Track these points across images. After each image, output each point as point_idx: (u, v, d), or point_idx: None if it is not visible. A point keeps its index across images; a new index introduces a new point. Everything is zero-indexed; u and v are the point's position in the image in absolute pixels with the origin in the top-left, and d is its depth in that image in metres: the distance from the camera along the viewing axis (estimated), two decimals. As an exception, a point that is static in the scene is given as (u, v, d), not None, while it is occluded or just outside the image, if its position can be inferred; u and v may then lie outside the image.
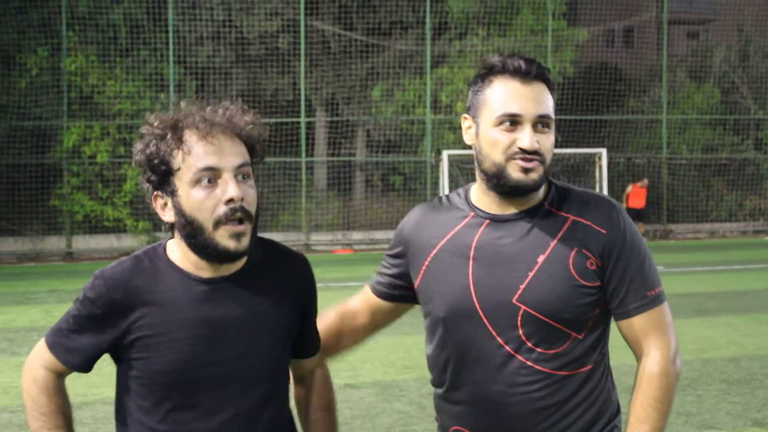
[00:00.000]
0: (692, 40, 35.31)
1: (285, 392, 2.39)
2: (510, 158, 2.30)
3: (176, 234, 2.25)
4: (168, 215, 2.22)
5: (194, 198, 2.14)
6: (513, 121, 2.29)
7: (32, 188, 23.18)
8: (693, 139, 28.04)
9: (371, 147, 26.59)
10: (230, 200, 2.13)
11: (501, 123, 2.30)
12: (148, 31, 24.16)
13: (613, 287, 2.34)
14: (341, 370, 8.39)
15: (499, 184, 2.33)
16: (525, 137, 2.28)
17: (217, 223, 2.14)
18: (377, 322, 2.69)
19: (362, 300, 2.69)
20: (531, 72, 2.31)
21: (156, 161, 2.17)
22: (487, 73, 2.36)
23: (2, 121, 23.16)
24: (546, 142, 2.31)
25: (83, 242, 23.61)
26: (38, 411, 2.26)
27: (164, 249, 2.29)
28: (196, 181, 2.14)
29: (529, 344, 2.31)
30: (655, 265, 2.40)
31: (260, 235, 2.31)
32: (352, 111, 26.06)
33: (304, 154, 24.71)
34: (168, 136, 2.17)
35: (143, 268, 2.25)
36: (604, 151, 24.75)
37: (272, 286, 2.31)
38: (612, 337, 2.50)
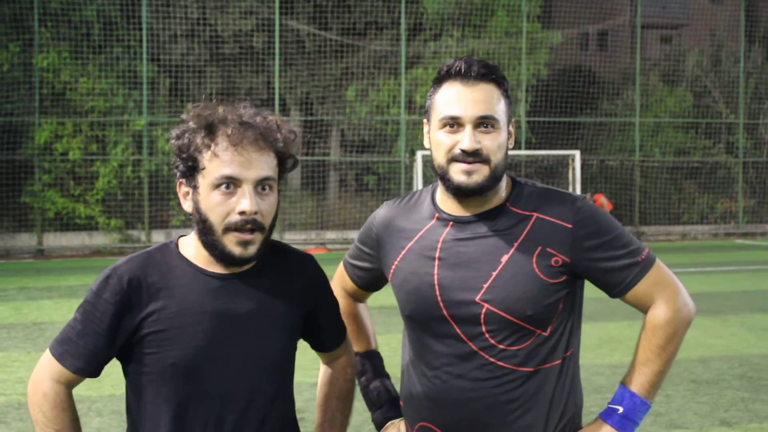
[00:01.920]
0: (665, 44, 35.63)
1: (291, 390, 2.44)
2: (452, 160, 2.35)
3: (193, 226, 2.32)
4: (187, 205, 2.28)
5: (211, 200, 2.21)
6: (454, 123, 2.34)
7: (3, 185, 22.97)
8: (665, 143, 28.26)
9: (345, 147, 26.58)
10: (243, 212, 2.19)
11: (444, 125, 2.36)
12: (122, 28, 24.01)
13: (604, 272, 2.38)
14: (312, 369, 8.36)
15: (445, 186, 2.39)
16: (464, 138, 2.32)
17: (227, 229, 2.21)
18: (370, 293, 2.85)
19: (353, 293, 2.80)
20: (471, 73, 2.34)
21: (185, 155, 2.23)
22: (438, 78, 2.41)
23: (-27, 116, 22.95)
24: (489, 142, 2.34)
25: (54, 240, 23.42)
26: (52, 427, 2.26)
27: (176, 245, 2.35)
28: (216, 185, 2.20)
29: (493, 341, 2.35)
30: (630, 233, 2.45)
31: None
32: (327, 111, 26.04)
33: (278, 153, 24.60)
34: (202, 134, 2.22)
35: (156, 263, 2.29)
36: (577, 153, 24.87)
37: (280, 285, 2.37)
38: (584, 338, 2.52)
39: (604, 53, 32.75)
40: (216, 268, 2.29)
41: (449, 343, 2.39)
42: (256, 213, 2.20)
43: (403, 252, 2.49)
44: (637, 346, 2.43)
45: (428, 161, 23.80)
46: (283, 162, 2.30)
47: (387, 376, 2.75)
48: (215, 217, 2.20)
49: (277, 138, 2.25)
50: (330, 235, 25.10)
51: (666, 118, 28.30)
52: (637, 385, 2.39)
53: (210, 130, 2.21)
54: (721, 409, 6.93)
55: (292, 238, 24.86)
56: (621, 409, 2.37)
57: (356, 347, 2.78)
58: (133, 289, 2.23)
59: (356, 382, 2.67)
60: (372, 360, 2.76)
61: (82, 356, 2.26)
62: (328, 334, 2.55)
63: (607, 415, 2.39)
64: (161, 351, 2.23)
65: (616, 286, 2.40)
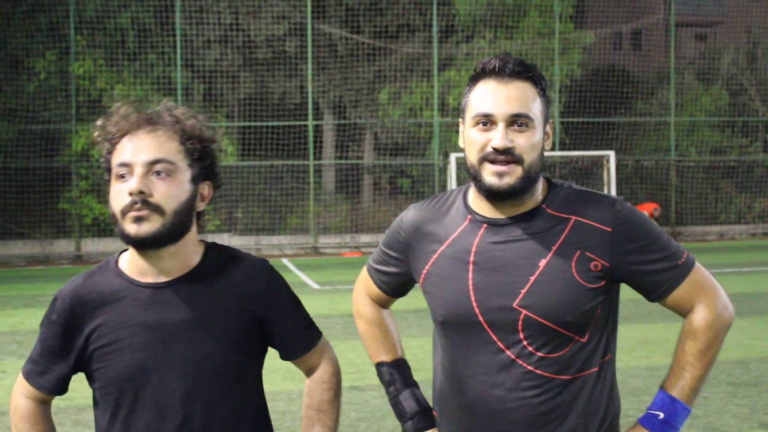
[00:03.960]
0: (700, 42, 35.29)
1: (244, 394, 2.40)
2: (484, 160, 2.29)
3: None
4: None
5: (112, 191, 2.28)
6: (487, 120, 2.29)
7: (41, 191, 23.26)
8: (701, 142, 27.97)
9: (379, 150, 26.60)
10: (130, 193, 2.22)
11: (477, 123, 2.31)
12: (156, 35, 24.22)
13: (644, 276, 2.33)
14: (347, 372, 8.39)
15: (477, 186, 2.33)
16: (496, 136, 2.27)
17: (123, 213, 2.24)
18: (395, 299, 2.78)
19: (378, 299, 2.72)
20: (505, 71, 2.29)
21: (102, 160, 2.35)
22: (473, 76, 2.37)
23: (11, 124, 23.25)
24: (523, 141, 2.28)
25: (92, 245, 23.67)
26: None
27: (116, 261, 2.41)
28: (117, 177, 2.26)
29: (530, 349, 2.29)
30: (669, 236, 2.40)
31: (231, 240, 2.37)
32: (360, 114, 26.08)
33: (312, 157, 24.74)
34: (107, 137, 2.32)
35: (95, 281, 2.36)
36: (612, 154, 24.70)
37: (221, 291, 2.34)
38: (620, 339, 2.48)
39: (638, 52, 32.51)
40: (148, 278, 2.33)
41: (485, 350, 2.33)
42: (142, 193, 2.21)
43: (435, 256, 2.42)
44: (677, 351, 2.38)
45: (462, 163, 23.75)
46: (187, 145, 2.30)
47: (416, 386, 2.66)
48: (114, 206, 2.25)
49: (165, 118, 2.30)
50: (364, 238, 25.12)
51: (701, 117, 28.02)
52: (678, 390, 2.34)
53: (107, 131, 2.32)
54: (760, 412, 6.85)
55: (326, 241, 24.93)
56: (662, 415, 2.33)
57: (383, 356, 2.69)
58: (75, 308, 2.31)
59: (336, 392, 2.56)
60: (399, 369, 2.67)
61: (43, 375, 2.37)
62: (289, 341, 2.48)
63: (647, 421, 2.34)
64: (104, 365, 2.30)
65: (655, 290, 2.35)
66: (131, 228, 2.23)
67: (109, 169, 2.30)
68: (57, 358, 2.34)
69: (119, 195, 2.24)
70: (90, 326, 2.30)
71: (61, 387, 2.39)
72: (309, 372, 2.56)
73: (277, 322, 2.44)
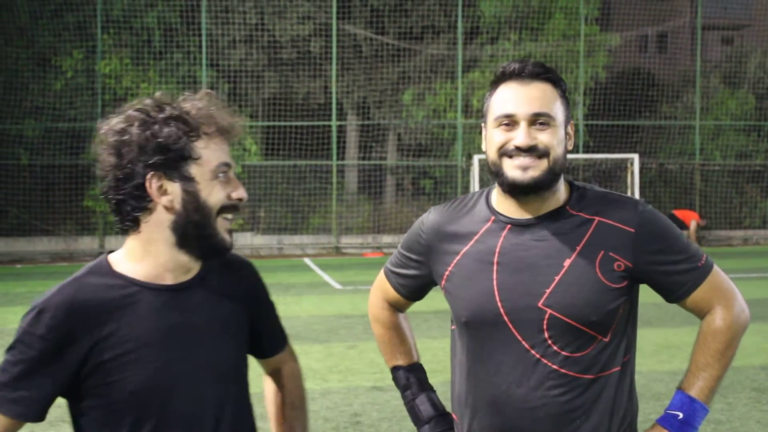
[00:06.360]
0: (727, 45, 35.02)
1: (248, 395, 2.38)
2: (504, 155, 2.32)
3: (150, 230, 2.15)
4: (165, 200, 2.13)
5: (213, 188, 2.16)
6: (509, 121, 2.32)
7: (66, 189, 23.44)
8: (726, 146, 27.77)
9: (402, 151, 26.61)
10: (240, 199, 2.21)
11: (499, 124, 2.34)
12: (182, 34, 24.35)
13: (665, 276, 2.37)
14: (369, 372, 8.41)
15: (500, 183, 2.36)
16: (519, 135, 2.30)
17: (220, 212, 2.18)
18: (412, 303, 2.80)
19: (395, 303, 2.74)
20: (524, 72, 2.33)
21: (169, 143, 2.11)
22: (494, 80, 2.41)
23: (37, 122, 23.46)
24: (547, 137, 2.31)
25: (116, 243, 23.79)
26: None
27: (108, 263, 2.20)
28: (216, 174, 2.17)
29: (555, 348, 2.31)
30: (687, 239, 2.43)
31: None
32: (384, 115, 26.10)
33: (335, 157, 24.78)
34: (190, 123, 2.15)
35: (92, 286, 2.13)
36: (636, 157, 24.58)
37: (226, 291, 2.29)
38: (641, 344, 2.49)
39: (663, 55, 32.32)
40: (161, 281, 2.18)
41: (509, 350, 2.35)
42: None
43: (458, 257, 2.44)
44: (694, 352, 2.44)
45: (485, 165, 23.67)
46: None
47: (432, 390, 2.70)
48: (215, 201, 2.16)
49: (239, 131, 2.29)
50: (386, 239, 25.13)
51: (727, 121, 27.82)
52: (697, 390, 2.38)
53: (205, 118, 2.19)
54: (784, 418, 6.80)
55: (348, 242, 24.96)
56: (681, 415, 2.36)
57: (399, 360, 2.72)
58: (72, 319, 2.06)
59: (305, 389, 2.58)
60: (416, 373, 2.70)
61: (21, 401, 2.07)
62: (269, 339, 2.48)
63: (666, 421, 2.37)
64: (117, 380, 2.08)
65: (675, 291, 2.39)
66: (226, 237, 2.21)
67: (183, 157, 2.13)
68: (42, 380, 2.05)
69: (221, 193, 2.19)
70: (93, 337, 2.06)
71: (43, 413, 2.10)
72: (275, 371, 2.54)
73: (263, 320, 2.43)
